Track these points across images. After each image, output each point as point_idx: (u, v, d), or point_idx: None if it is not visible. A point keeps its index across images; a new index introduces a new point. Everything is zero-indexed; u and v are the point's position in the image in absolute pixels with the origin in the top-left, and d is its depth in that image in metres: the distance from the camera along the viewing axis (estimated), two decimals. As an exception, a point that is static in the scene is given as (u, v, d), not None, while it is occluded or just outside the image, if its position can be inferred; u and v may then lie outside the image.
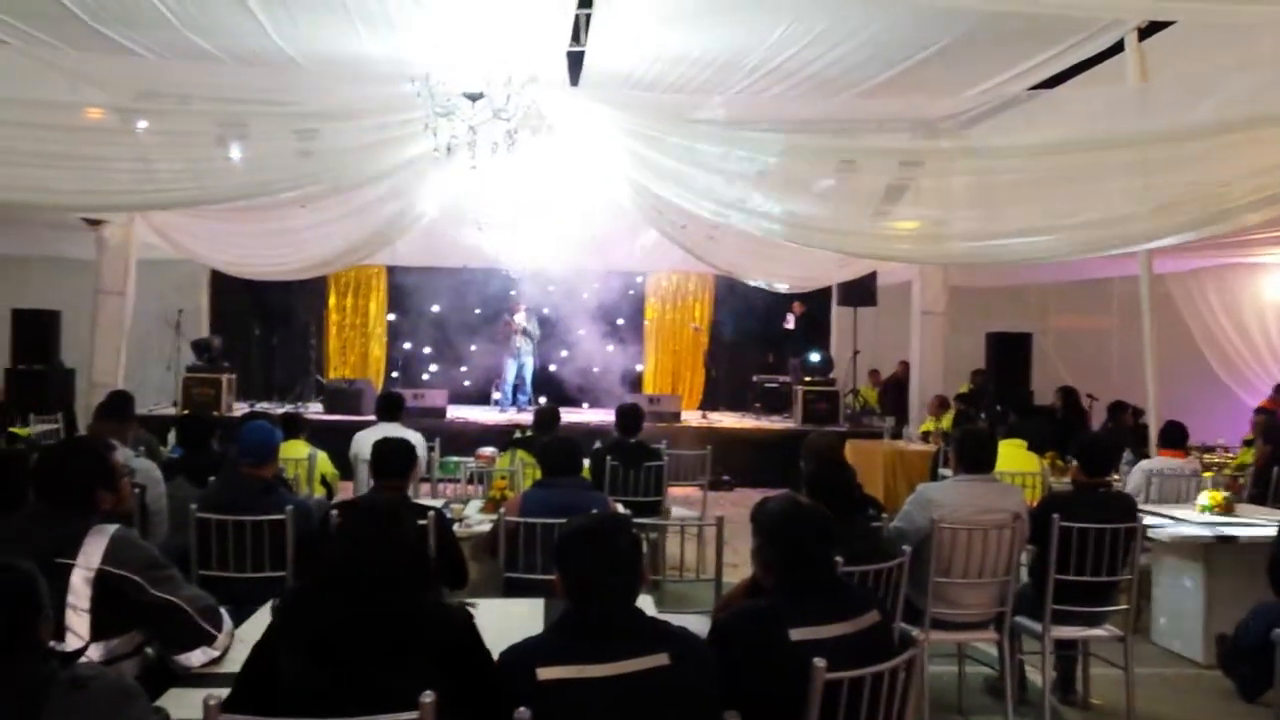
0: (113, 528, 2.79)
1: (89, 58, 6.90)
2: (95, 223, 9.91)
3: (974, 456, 4.53)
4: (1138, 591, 4.63)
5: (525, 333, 12.95)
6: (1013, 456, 6.55)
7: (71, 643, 2.59)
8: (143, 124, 7.03)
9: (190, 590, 2.87)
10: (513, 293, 13.36)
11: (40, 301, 10.94)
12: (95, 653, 2.63)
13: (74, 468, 2.91)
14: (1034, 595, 4.49)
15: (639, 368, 15.12)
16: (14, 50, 6.63)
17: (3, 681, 1.92)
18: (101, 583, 2.66)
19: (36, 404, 9.41)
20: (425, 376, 14.31)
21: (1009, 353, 11.27)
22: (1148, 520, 4.97)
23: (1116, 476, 6.46)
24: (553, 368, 14.08)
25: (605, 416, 11.12)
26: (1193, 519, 5.56)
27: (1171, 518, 5.55)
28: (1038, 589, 4.46)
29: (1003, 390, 10.56)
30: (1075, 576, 4.34)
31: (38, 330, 10.78)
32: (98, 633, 2.65)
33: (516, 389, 13.20)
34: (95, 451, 3.05)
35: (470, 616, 2.41)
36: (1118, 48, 6.52)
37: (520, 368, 13.15)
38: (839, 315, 13.48)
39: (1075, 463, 4.92)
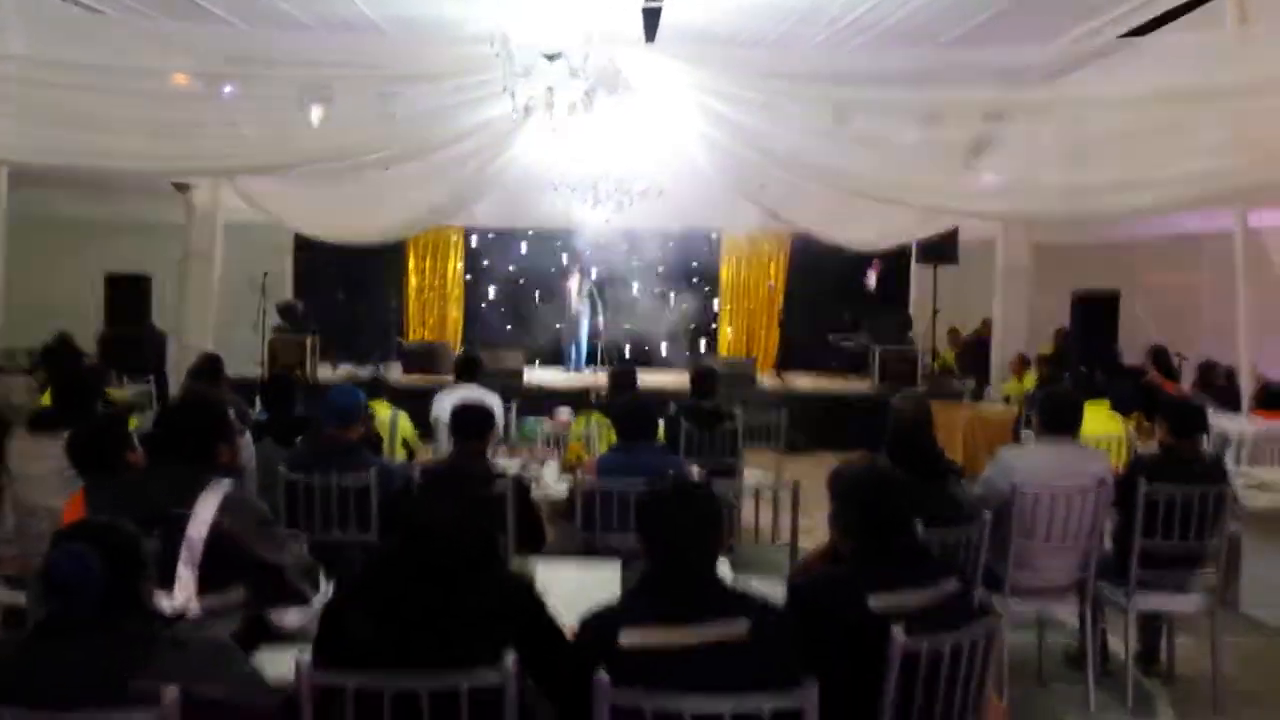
0: (227, 482, 2.88)
1: (178, 24, 7.04)
2: (184, 188, 10.15)
3: (1057, 419, 4.44)
4: (1226, 560, 4.51)
5: (587, 295, 12.99)
6: (1096, 418, 6.39)
7: (178, 594, 2.70)
8: (230, 89, 7.17)
9: (294, 549, 2.96)
10: (566, 257, 13.38)
11: (132, 266, 11.23)
12: (197, 607, 2.74)
13: (196, 423, 3.02)
14: (1117, 563, 4.40)
15: (713, 329, 15.07)
16: (107, 18, 6.79)
17: (109, 639, 2.02)
18: (214, 535, 2.75)
19: (130, 366, 9.72)
20: (501, 337, 14.46)
21: (1096, 312, 10.96)
22: (1238, 485, 4.83)
23: (1205, 441, 6.28)
24: (626, 328, 14.11)
25: (679, 379, 11.12)
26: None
27: (1264, 483, 5.38)
28: (1121, 556, 4.37)
29: (1089, 350, 10.28)
30: (1162, 542, 4.25)
31: (130, 294, 11.07)
32: (203, 585, 2.74)
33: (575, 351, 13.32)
34: (215, 406, 3.16)
35: (531, 582, 2.45)
36: (1217, -10, 6.23)
37: (575, 329, 13.21)
38: (918, 273, 13.25)
39: (1162, 425, 4.78)
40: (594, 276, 13.30)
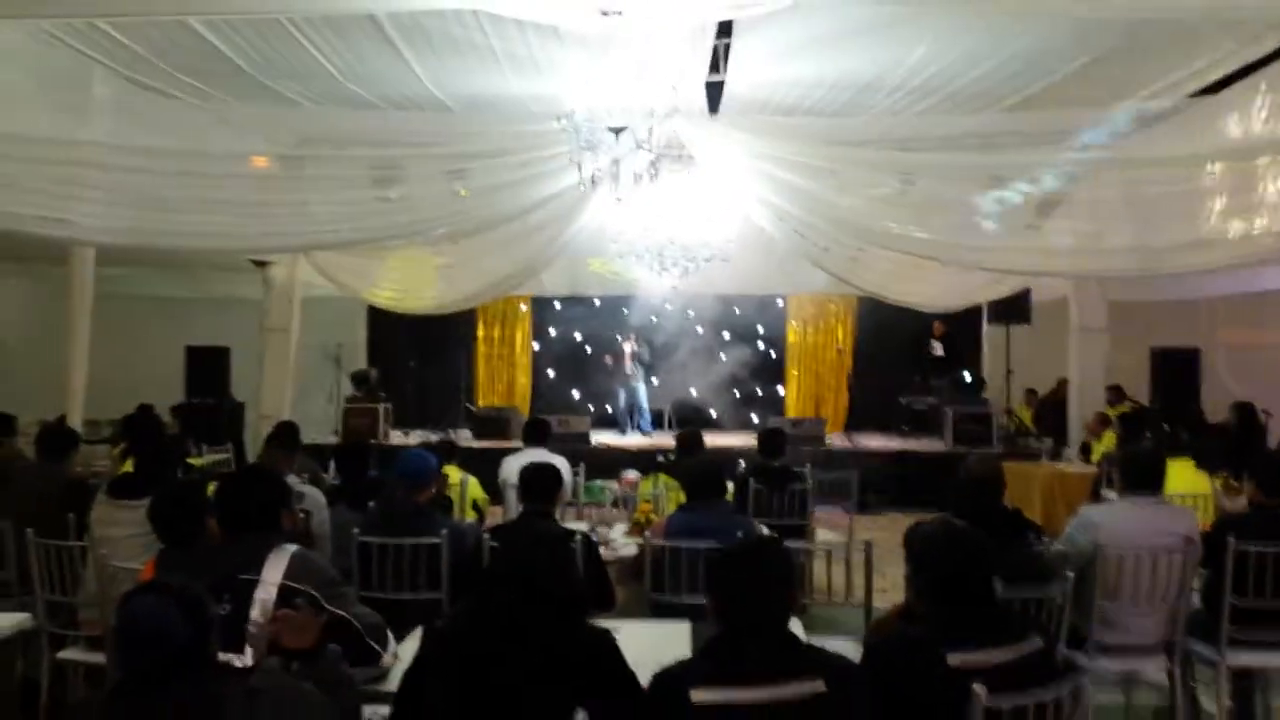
0: (293, 547, 2.95)
1: (254, 109, 7.30)
2: (262, 264, 10.48)
3: (1139, 477, 4.32)
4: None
5: (636, 358, 13.04)
6: (1181, 476, 6.20)
7: (250, 655, 2.73)
8: (304, 170, 7.43)
9: (361, 609, 2.99)
10: (623, 324, 13.47)
11: (211, 339, 11.61)
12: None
13: (260, 493, 3.10)
14: (1208, 621, 4.24)
15: (781, 391, 15.00)
16: (187, 105, 7.10)
17: (185, 695, 2.04)
18: (283, 597, 2.80)
19: (209, 435, 9.97)
20: (568, 403, 14.56)
21: (1176, 369, 10.71)
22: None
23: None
24: (694, 391, 14.11)
25: (747, 440, 11.07)
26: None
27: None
28: (1212, 614, 4.21)
29: (1170, 408, 10.03)
30: (1254, 601, 4.09)
31: (209, 366, 11.46)
32: (275, 645, 2.79)
33: (633, 414, 13.31)
34: (274, 476, 3.26)
35: (614, 640, 2.44)
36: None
37: (633, 393, 13.25)
38: (990, 334, 13.08)
39: (1251, 482, 4.63)
40: (646, 341, 13.30)
